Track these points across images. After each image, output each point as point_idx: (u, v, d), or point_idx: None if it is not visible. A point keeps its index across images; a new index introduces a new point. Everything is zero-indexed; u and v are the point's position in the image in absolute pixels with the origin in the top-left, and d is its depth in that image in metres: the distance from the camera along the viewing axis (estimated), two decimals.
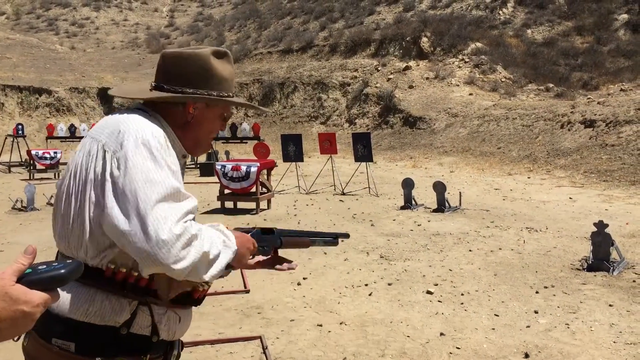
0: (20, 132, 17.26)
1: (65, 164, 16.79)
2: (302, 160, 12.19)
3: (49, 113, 28.08)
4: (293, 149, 11.94)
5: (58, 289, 0.99)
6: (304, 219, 8.77)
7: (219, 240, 1.36)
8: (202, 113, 1.53)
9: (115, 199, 1.27)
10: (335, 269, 5.97)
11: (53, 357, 1.32)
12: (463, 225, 8.13)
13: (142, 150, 1.32)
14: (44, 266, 0.97)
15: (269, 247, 1.63)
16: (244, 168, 9.18)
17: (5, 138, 17.85)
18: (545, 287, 5.25)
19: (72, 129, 17.77)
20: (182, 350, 1.59)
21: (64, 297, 1.31)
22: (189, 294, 1.49)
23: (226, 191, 9.54)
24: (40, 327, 1.18)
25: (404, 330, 4.28)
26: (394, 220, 8.58)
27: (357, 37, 29.01)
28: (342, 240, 1.98)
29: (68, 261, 1.00)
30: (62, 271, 0.96)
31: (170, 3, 55.07)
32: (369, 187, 11.45)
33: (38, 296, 0.94)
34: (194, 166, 16.92)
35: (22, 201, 9.95)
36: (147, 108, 1.49)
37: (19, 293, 0.92)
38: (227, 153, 20.16)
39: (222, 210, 9.61)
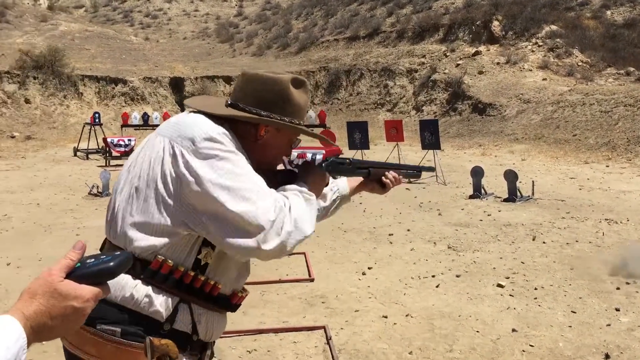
0: (97, 120, 17.94)
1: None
2: (367, 148, 12.05)
3: (124, 102, 29.07)
4: (359, 137, 11.81)
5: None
6: (370, 206, 8.64)
7: (299, 200, 1.45)
8: (272, 136, 1.54)
9: (219, 220, 1.32)
10: (401, 259, 5.84)
11: (97, 341, 1.32)
12: (536, 215, 7.77)
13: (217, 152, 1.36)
14: (92, 260, 0.95)
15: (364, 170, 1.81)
16: (309, 156, 9.16)
17: (84, 126, 18.60)
18: (627, 283, 4.93)
19: (145, 117, 18.32)
20: (214, 347, 1.62)
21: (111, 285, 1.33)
22: (227, 298, 1.52)
23: None
24: None
25: (473, 324, 4.12)
26: (462, 209, 8.32)
27: (425, 23, 28.38)
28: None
29: (116, 253, 0.97)
30: (111, 264, 0.94)
31: None
32: (436, 176, 11.18)
33: (88, 290, 0.92)
34: None
35: (97, 187, 10.34)
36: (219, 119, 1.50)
37: (69, 289, 0.90)
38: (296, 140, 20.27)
39: None
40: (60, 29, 40.87)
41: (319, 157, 9.12)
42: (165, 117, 18.90)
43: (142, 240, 1.35)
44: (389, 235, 6.83)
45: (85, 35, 40.16)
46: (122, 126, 18.39)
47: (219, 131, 1.38)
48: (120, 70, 31.05)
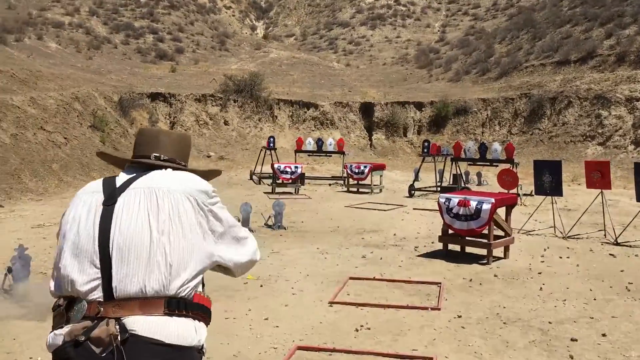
0: (271, 144, 17.66)
1: (308, 177, 16.67)
2: (560, 194, 9.49)
3: (314, 126, 29.19)
4: (549, 180, 9.33)
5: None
6: (550, 280, 6.34)
7: None
8: None
9: (228, 243, 1.82)
10: None
11: None
12: None
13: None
14: None
15: None
16: (473, 204, 7.11)
17: (261, 150, 18.45)
18: None
19: (319, 142, 17.61)
20: None
21: (178, 331, 1.58)
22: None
23: (450, 231, 7.57)
24: None
25: None
26: None
27: None
28: None
29: None
30: None
31: (442, 18, 54.30)
32: None
33: None
34: (435, 189, 15.13)
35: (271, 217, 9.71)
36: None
37: None
38: (479, 175, 17.93)
39: (444, 255, 7.61)
40: (271, 56, 43.38)
41: (486, 206, 7.05)
42: (340, 143, 17.96)
43: (184, 283, 1.64)
44: (571, 340, 4.57)
45: (292, 61, 42.02)
46: (295, 151, 17.87)
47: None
48: (314, 94, 31.37)
